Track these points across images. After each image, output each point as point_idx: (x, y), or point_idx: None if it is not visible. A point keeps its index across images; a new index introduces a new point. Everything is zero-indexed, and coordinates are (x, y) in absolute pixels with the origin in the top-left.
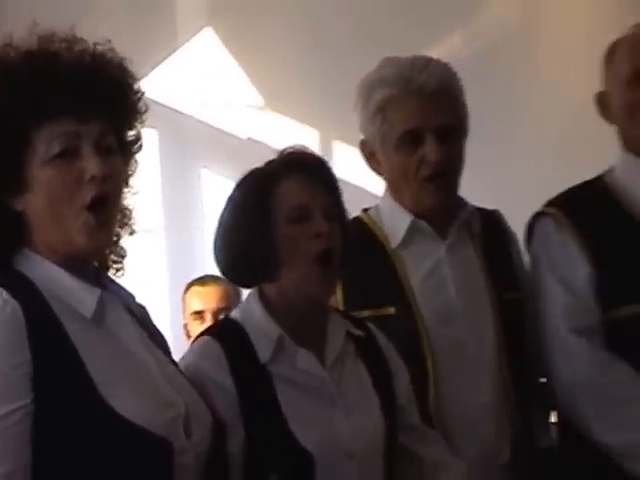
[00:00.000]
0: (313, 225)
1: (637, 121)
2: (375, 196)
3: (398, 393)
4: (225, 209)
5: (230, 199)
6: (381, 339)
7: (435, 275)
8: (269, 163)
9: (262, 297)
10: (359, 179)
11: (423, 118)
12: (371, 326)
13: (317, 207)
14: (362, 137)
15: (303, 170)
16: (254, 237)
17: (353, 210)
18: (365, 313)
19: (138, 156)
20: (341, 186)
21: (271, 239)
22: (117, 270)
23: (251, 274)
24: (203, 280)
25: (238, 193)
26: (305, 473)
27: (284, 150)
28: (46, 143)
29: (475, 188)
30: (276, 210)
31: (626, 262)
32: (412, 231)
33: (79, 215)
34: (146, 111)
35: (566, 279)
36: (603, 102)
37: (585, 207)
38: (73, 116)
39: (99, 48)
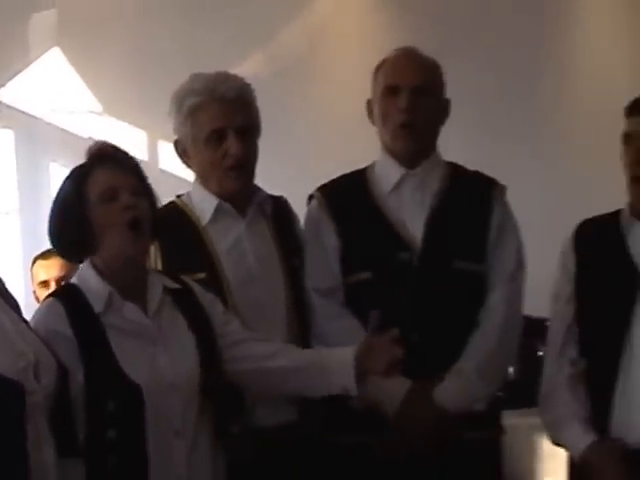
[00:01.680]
0: (121, 201)
1: (387, 127)
2: (190, 183)
3: (216, 326)
4: (54, 199)
5: (58, 193)
6: (196, 288)
7: (237, 247)
8: (85, 161)
9: (93, 265)
10: (179, 171)
11: (226, 119)
12: (186, 279)
13: (123, 187)
14: (176, 137)
15: (108, 160)
16: (75, 220)
17: (172, 194)
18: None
19: None
20: (163, 176)
21: (89, 219)
22: None
23: (77, 250)
24: (46, 254)
25: (61, 188)
26: (136, 401)
27: (91, 147)
28: None
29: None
30: (90, 195)
31: (361, 238)
32: (218, 211)
33: None
34: None
35: (320, 247)
36: (369, 109)
37: (342, 192)
38: None
39: None
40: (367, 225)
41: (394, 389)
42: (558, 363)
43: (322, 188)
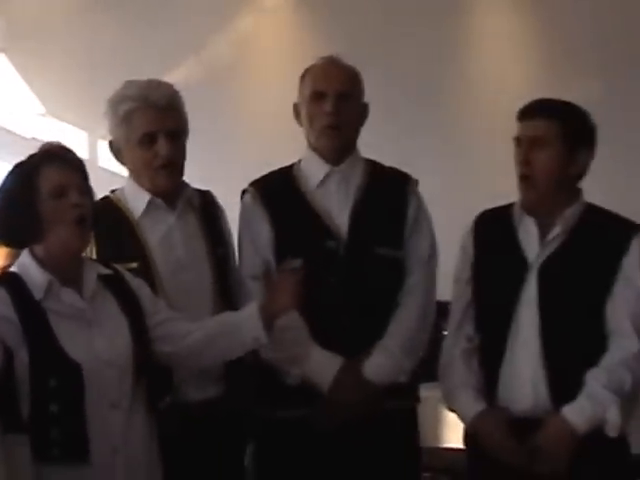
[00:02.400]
0: (71, 198)
1: (314, 128)
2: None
3: (145, 308)
4: (0, 192)
5: (4, 183)
6: (126, 274)
7: (167, 238)
8: (32, 156)
9: (33, 255)
10: (117, 168)
11: (157, 124)
12: (117, 266)
13: (72, 185)
14: (111, 138)
15: (58, 159)
16: (23, 211)
17: (108, 189)
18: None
19: None
20: (102, 173)
21: (37, 212)
22: None
23: (22, 238)
24: None
25: (9, 179)
26: (76, 377)
27: (43, 145)
28: None
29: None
30: (40, 190)
31: (292, 229)
32: (150, 206)
33: None
34: None
35: (253, 238)
36: (297, 111)
37: (273, 187)
38: None
39: None
40: (297, 217)
41: (327, 366)
42: (456, 338)
43: (255, 183)
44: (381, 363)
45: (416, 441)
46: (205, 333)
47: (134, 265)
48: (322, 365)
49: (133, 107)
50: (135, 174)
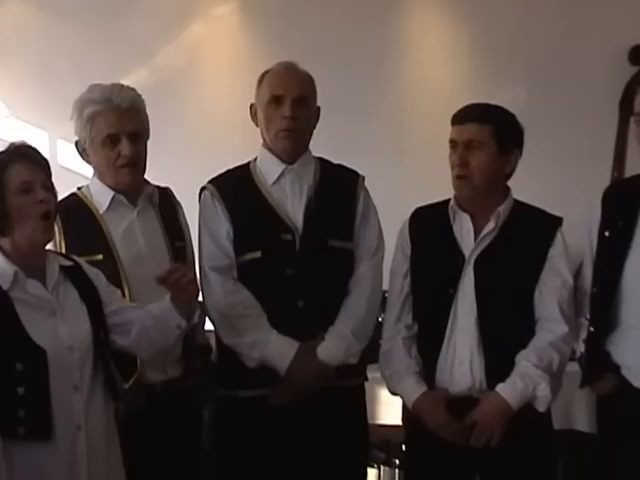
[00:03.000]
0: (37, 195)
1: (271, 130)
2: (84, 178)
3: (102, 296)
4: None
5: None
6: (85, 266)
7: (129, 231)
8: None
9: None
10: (76, 167)
11: (120, 126)
12: (76, 258)
13: (38, 182)
14: (76, 138)
15: (25, 157)
16: None
17: (70, 187)
18: (82, 259)
19: None
20: (61, 171)
21: (4, 207)
22: None
23: None
24: None
25: None
26: (41, 362)
27: (10, 145)
28: None
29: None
30: (8, 186)
31: (250, 223)
32: (113, 202)
33: None
34: None
35: (212, 232)
36: (253, 112)
37: (231, 184)
38: None
39: None
40: (254, 212)
41: (285, 350)
42: (396, 327)
43: (213, 181)
44: (334, 346)
45: (364, 415)
46: (150, 321)
47: (99, 257)
48: (280, 349)
49: (97, 110)
50: (99, 172)
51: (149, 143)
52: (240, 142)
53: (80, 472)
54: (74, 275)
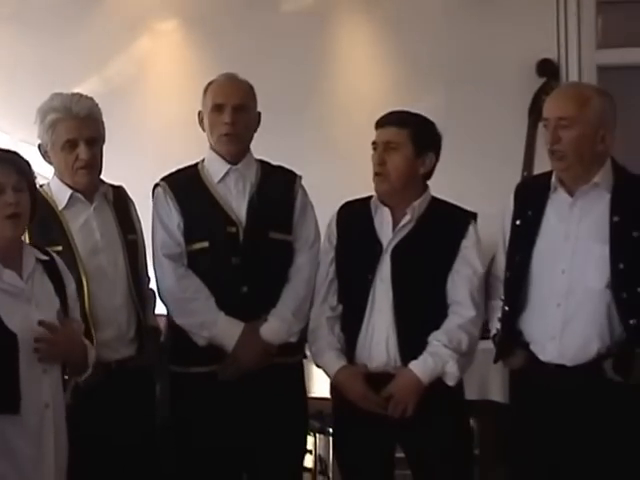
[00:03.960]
0: (6, 198)
1: (214, 135)
2: (43, 178)
3: (69, 294)
4: None
5: None
6: (59, 261)
7: (86, 226)
8: None
9: None
10: (36, 167)
11: (78, 132)
12: (53, 253)
13: (8, 184)
14: (39, 142)
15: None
16: None
17: None
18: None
19: None
20: None
21: None
22: None
23: None
24: None
25: None
26: (12, 346)
27: None
28: None
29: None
30: None
31: (198, 216)
32: (72, 199)
33: None
34: None
35: (165, 223)
36: (200, 118)
37: (181, 182)
38: None
39: None
40: (202, 206)
41: (231, 330)
42: (321, 308)
43: (165, 178)
44: (275, 327)
45: (303, 388)
46: None
47: (59, 248)
48: (227, 329)
49: (58, 117)
50: (59, 173)
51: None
52: (183, 145)
53: (47, 447)
54: (49, 269)
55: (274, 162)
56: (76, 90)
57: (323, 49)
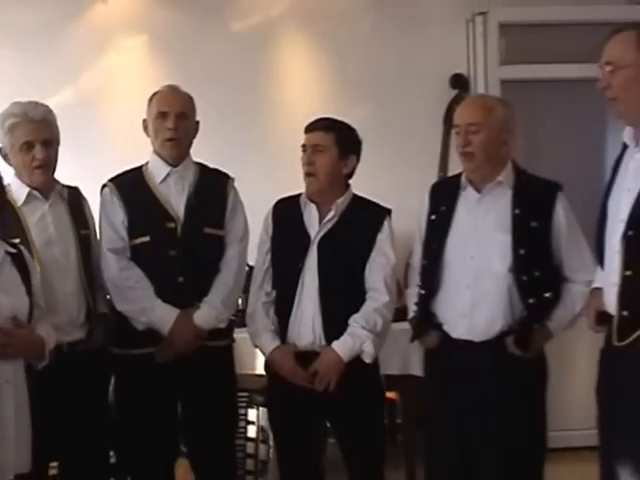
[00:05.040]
0: None
1: (158, 140)
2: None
3: (34, 283)
4: None
5: None
6: (25, 254)
7: (42, 220)
8: None
9: None
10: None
11: (34, 135)
12: (21, 246)
13: None
14: (0, 145)
15: None
16: None
17: None
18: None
19: None
20: None
21: None
22: None
23: None
24: None
25: None
26: None
27: None
28: None
29: None
30: None
31: (141, 213)
32: (29, 196)
33: None
34: None
35: (110, 221)
36: (145, 125)
37: (126, 182)
38: None
39: None
40: (145, 204)
41: (167, 316)
42: (258, 293)
43: (112, 179)
44: (207, 313)
45: (232, 369)
46: None
47: (17, 240)
48: (163, 314)
49: (16, 121)
50: (18, 172)
51: (65, 150)
52: (140, 149)
53: (7, 421)
54: (18, 262)
55: (225, 162)
56: (50, 100)
57: (267, 64)
